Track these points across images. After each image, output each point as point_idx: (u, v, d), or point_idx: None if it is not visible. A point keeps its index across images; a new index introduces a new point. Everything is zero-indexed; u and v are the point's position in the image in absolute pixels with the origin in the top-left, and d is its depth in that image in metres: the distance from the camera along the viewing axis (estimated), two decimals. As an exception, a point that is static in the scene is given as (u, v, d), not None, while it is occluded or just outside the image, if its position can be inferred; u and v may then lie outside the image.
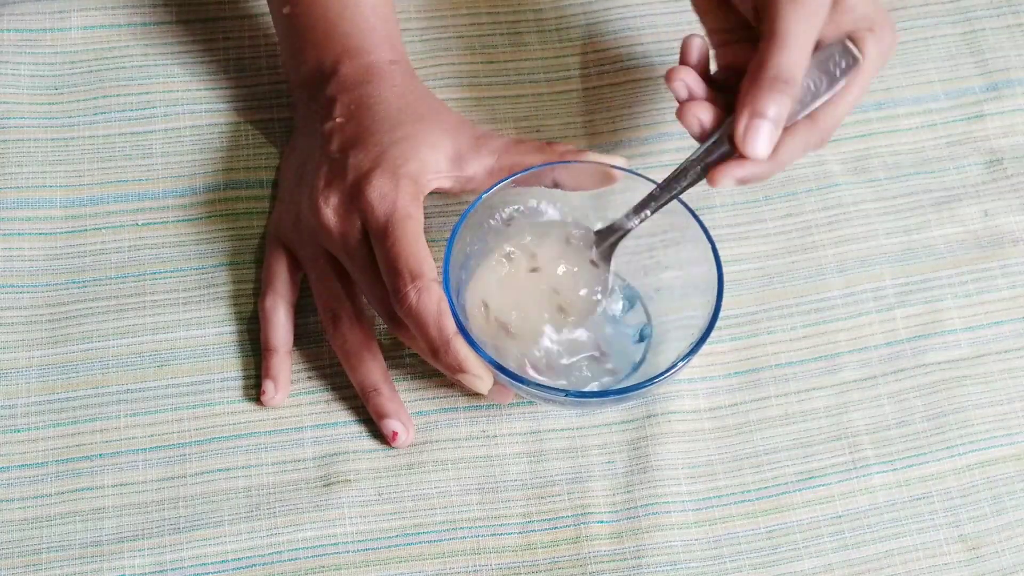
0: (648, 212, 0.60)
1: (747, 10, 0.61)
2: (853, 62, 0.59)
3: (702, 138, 0.59)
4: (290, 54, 0.70)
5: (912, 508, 0.63)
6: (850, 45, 0.59)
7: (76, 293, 0.67)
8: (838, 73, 0.59)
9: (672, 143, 0.73)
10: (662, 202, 0.60)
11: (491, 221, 0.63)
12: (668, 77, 0.60)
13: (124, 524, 0.61)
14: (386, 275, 0.59)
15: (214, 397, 0.64)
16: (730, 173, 0.58)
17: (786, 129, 0.58)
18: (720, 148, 0.59)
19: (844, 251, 0.70)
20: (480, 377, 0.59)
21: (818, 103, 0.59)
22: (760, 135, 0.57)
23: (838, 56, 0.59)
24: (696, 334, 0.59)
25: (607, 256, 0.62)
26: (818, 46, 0.59)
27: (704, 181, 0.59)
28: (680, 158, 0.72)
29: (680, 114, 0.59)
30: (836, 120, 0.60)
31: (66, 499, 0.61)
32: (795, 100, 0.57)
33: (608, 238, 0.62)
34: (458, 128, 0.65)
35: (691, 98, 0.60)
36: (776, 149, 0.58)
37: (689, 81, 0.60)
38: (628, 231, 0.61)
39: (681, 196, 0.61)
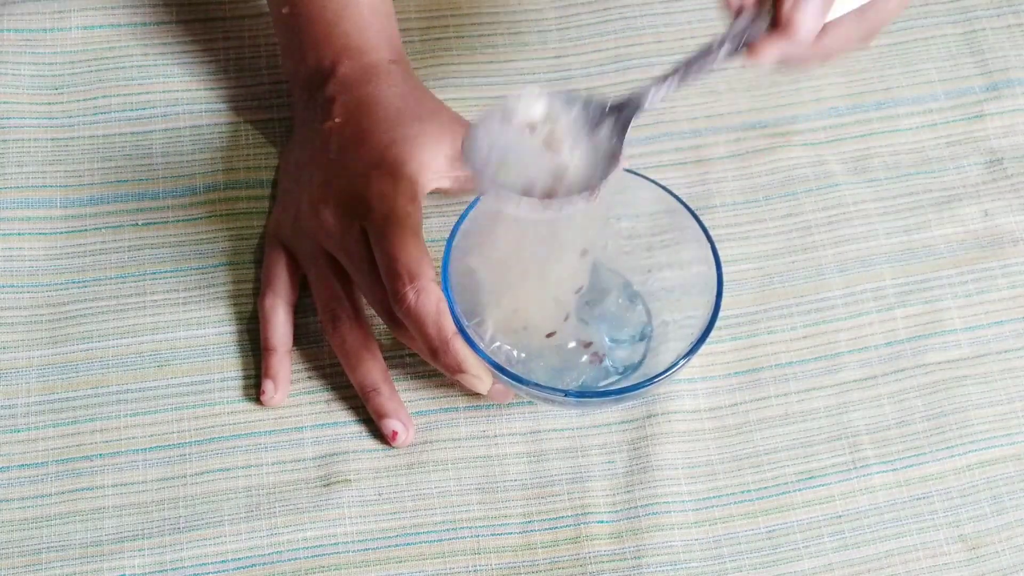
0: (674, 82, 0.55)
1: None
2: None
3: (738, 11, 0.54)
4: (289, 54, 0.70)
5: (912, 508, 0.63)
6: None
7: (76, 293, 0.67)
8: None
9: (672, 143, 0.73)
10: (689, 75, 0.55)
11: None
12: None
13: (124, 524, 0.61)
14: (385, 276, 0.59)
15: (214, 397, 0.64)
16: (772, 48, 0.54)
17: (833, 21, 0.55)
18: (758, 24, 0.54)
19: (844, 251, 0.70)
20: (479, 377, 0.59)
21: None
22: (808, 9, 0.53)
23: None
24: (696, 334, 0.59)
25: (622, 131, 0.55)
26: None
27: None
28: (680, 158, 0.73)
29: None
30: (885, 16, 0.57)
31: (66, 499, 0.61)
32: None
33: (624, 110, 0.55)
34: (457, 128, 0.65)
35: None
36: (821, 35, 0.54)
37: None
38: (645, 103, 0.55)
39: (681, 196, 0.60)
